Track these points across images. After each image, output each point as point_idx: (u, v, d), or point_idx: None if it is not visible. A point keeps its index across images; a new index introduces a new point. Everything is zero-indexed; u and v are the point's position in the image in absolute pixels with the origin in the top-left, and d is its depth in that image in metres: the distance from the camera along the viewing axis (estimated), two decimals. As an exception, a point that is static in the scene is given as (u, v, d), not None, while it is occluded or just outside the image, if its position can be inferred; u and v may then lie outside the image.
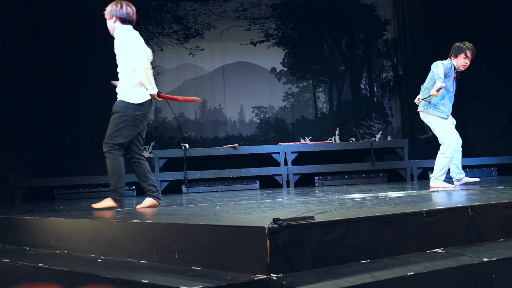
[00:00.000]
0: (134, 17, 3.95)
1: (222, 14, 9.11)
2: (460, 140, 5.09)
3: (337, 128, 9.13)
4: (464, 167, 5.38)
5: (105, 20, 3.98)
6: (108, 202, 3.86)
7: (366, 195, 4.03)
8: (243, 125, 9.07)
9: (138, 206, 3.93)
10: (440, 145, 4.86)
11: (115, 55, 3.92)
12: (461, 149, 5.13)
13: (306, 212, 2.62)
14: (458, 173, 5.13)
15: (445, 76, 4.76)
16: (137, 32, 3.91)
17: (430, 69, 4.97)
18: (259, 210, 2.98)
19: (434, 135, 4.95)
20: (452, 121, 5.02)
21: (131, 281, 2.10)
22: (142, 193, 6.46)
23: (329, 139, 9.01)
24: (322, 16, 9.30)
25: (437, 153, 4.92)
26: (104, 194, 6.39)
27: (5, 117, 6.52)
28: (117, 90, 3.94)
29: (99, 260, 2.60)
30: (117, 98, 3.91)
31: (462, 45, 4.87)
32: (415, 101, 5.12)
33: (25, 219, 3.37)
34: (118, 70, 3.91)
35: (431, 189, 4.48)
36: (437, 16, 8.66)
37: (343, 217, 2.23)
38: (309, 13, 9.26)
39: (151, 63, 3.95)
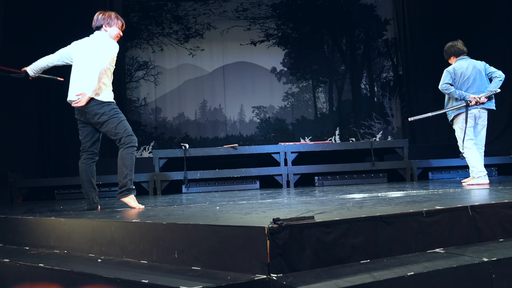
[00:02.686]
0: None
1: (222, 14, 9.12)
2: None
3: (337, 128, 9.14)
4: (463, 167, 5.39)
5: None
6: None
7: (366, 195, 4.03)
8: (243, 125, 9.07)
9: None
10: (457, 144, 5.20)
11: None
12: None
13: (306, 212, 2.62)
14: None
15: None
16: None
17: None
18: (259, 210, 2.98)
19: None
20: None
21: (131, 281, 2.09)
22: (141, 193, 6.49)
23: (329, 139, 9.01)
24: (322, 16, 9.31)
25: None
26: (103, 194, 6.40)
27: (5, 117, 6.52)
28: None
29: (99, 260, 2.60)
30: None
31: None
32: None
33: (25, 219, 3.36)
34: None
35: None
36: (437, 16, 8.67)
37: (343, 217, 2.22)
38: (309, 13, 9.26)
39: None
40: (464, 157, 5.09)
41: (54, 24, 7.75)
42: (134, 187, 4.02)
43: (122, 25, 4.19)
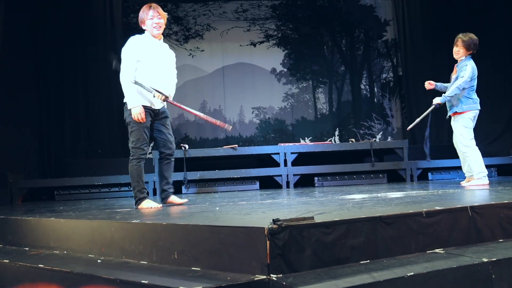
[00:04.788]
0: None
1: (221, 15, 9.12)
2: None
3: (337, 128, 9.14)
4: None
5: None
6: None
7: (365, 195, 4.03)
8: (242, 126, 9.07)
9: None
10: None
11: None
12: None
13: (305, 212, 2.62)
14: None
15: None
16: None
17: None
18: (258, 211, 2.98)
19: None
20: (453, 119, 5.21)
21: (131, 281, 2.10)
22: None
23: (329, 139, 9.01)
24: (322, 16, 9.31)
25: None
26: (103, 194, 6.41)
27: (5, 117, 6.51)
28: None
29: (98, 261, 2.60)
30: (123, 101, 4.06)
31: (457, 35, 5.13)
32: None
33: (25, 219, 3.36)
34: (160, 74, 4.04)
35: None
36: (437, 17, 8.67)
37: (343, 217, 2.23)
38: (309, 14, 9.26)
39: None
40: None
41: (54, 24, 7.72)
42: (144, 194, 4.00)
43: (155, 12, 3.95)
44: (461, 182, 5.27)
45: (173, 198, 4.12)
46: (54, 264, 2.57)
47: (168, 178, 4.12)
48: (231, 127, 4.32)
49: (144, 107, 3.94)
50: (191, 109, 4.30)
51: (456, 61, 5.18)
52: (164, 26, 4.08)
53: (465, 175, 5.23)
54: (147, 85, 3.92)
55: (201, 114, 4.29)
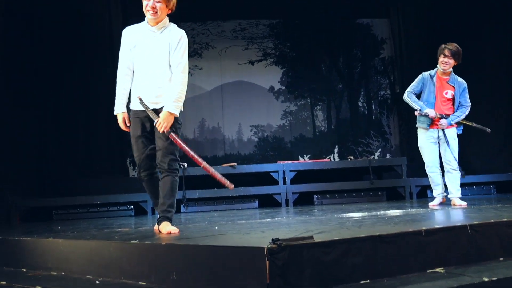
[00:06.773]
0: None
1: (220, 34, 9.19)
2: (447, 156, 5.02)
3: (336, 146, 9.15)
4: (462, 185, 5.35)
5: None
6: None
7: (365, 214, 4.02)
8: (241, 144, 9.07)
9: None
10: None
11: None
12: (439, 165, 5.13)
13: (305, 231, 2.61)
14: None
15: (422, 87, 4.94)
16: None
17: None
18: (258, 230, 2.97)
19: None
20: (434, 133, 5.00)
21: (129, 303, 2.08)
22: (140, 213, 6.46)
23: (328, 157, 9.01)
24: (319, 35, 9.39)
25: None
26: (102, 214, 6.37)
27: (2, 134, 6.49)
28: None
29: (97, 282, 2.57)
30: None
31: (442, 45, 4.93)
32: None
33: (23, 240, 3.34)
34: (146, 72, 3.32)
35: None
36: (433, 35, 8.76)
37: (343, 236, 2.22)
38: (306, 32, 9.34)
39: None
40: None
41: (52, 35, 7.68)
42: (160, 214, 3.33)
43: None
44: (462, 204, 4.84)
45: (161, 226, 3.22)
46: (52, 286, 2.55)
47: (160, 198, 3.27)
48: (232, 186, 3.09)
49: (134, 111, 3.38)
50: (195, 155, 3.18)
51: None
52: (168, 11, 3.30)
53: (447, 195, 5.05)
54: (134, 88, 3.36)
55: (210, 168, 3.16)
